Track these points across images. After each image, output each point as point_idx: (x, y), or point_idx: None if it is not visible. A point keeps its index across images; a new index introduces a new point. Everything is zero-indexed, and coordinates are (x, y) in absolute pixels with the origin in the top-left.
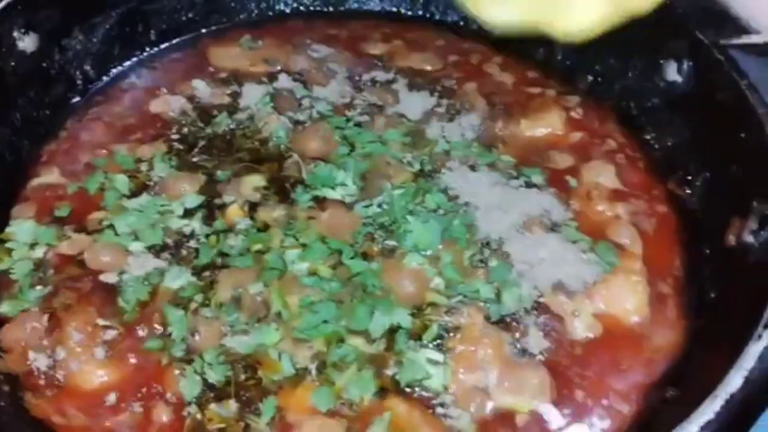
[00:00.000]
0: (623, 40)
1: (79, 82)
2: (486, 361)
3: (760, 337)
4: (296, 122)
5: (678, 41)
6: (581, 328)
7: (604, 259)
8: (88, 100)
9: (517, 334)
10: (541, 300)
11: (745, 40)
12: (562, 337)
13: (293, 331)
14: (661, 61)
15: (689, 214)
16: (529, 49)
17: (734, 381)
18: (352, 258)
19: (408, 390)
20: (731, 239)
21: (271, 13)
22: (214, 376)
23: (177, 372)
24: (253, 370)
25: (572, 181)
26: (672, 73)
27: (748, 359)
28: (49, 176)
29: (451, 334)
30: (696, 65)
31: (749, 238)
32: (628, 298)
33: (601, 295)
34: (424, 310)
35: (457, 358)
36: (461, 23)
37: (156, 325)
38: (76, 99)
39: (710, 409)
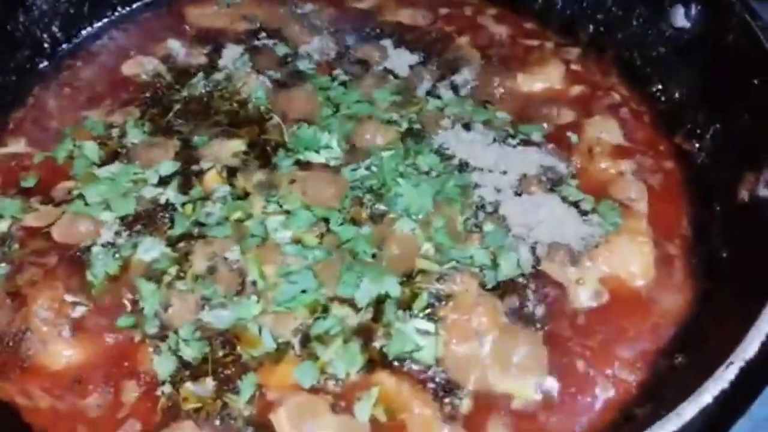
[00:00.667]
0: None
1: (46, 45)
2: (481, 331)
3: None
4: (277, 82)
5: None
6: (584, 295)
7: (607, 220)
8: (57, 65)
9: (515, 302)
10: (540, 266)
11: None
12: (564, 305)
13: (271, 304)
14: (668, 7)
15: (698, 170)
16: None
17: (751, 346)
18: (340, 224)
19: (397, 363)
20: (744, 194)
21: None
22: (190, 353)
23: (150, 349)
24: (231, 346)
25: (573, 138)
26: (679, 18)
27: (767, 322)
28: (15, 146)
29: (443, 303)
30: (705, 8)
31: (764, 192)
32: (632, 260)
33: (605, 257)
34: (414, 277)
35: (449, 328)
36: None
37: (126, 301)
38: (44, 63)
39: (725, 376)
